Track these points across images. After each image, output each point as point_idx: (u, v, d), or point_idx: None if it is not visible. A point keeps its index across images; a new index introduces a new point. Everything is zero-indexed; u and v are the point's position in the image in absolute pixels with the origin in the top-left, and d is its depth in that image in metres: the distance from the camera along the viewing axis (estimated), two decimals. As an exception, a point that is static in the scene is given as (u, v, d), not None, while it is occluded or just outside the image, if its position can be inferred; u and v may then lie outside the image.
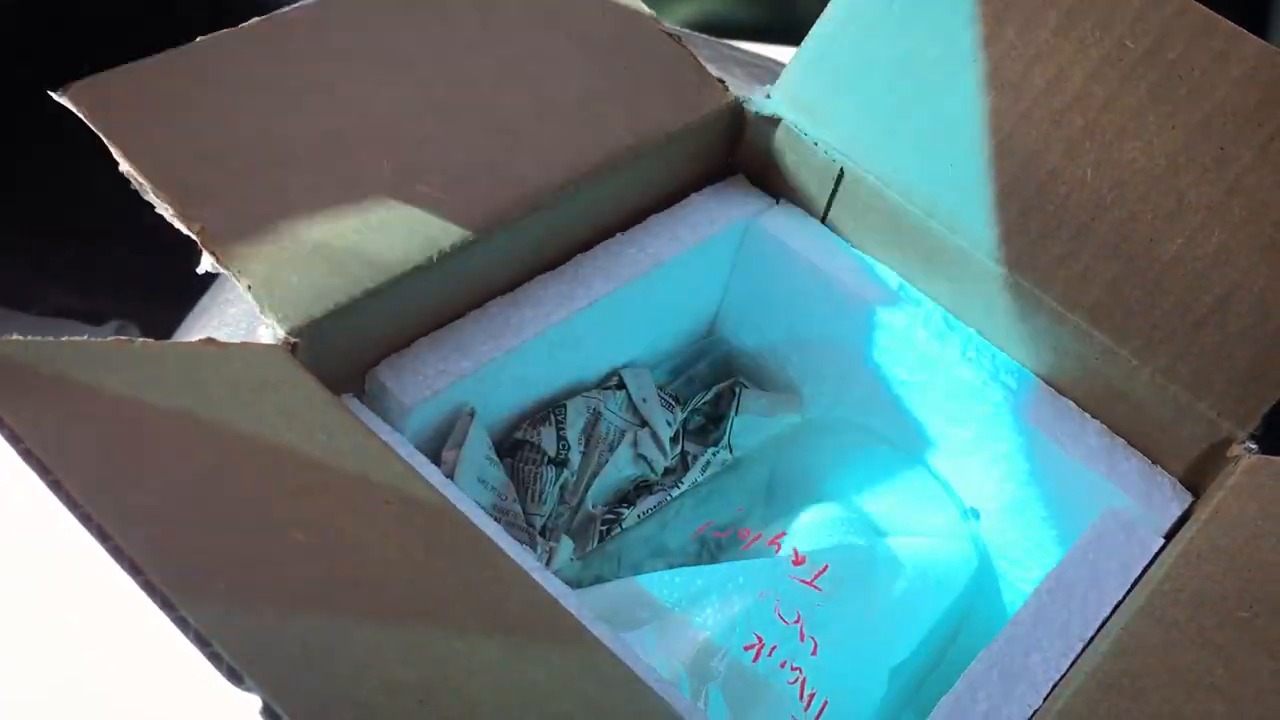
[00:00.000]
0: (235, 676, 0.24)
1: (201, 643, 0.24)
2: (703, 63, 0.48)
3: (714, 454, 0.50)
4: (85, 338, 0.30)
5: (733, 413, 0.52)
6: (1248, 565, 0.34)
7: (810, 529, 0.45)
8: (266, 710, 0.23)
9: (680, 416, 0.51)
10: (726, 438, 0.51)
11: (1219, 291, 0.40)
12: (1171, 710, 0.29)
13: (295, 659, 0.25)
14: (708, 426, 0.52)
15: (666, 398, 0.50)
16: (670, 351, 0.53)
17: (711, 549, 0.50)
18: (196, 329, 0.57)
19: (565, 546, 0.44)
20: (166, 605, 0.24)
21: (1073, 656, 0.36)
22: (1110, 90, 0.42)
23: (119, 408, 0.29)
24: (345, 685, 0.25)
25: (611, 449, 0.47)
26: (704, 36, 0.84)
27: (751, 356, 0.54)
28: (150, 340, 0.32)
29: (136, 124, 0.37)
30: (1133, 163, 0.42)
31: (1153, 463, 0.42)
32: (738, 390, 0.52)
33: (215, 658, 0.24)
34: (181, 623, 0.24)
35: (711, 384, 0.53)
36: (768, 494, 0.50)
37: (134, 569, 0.24)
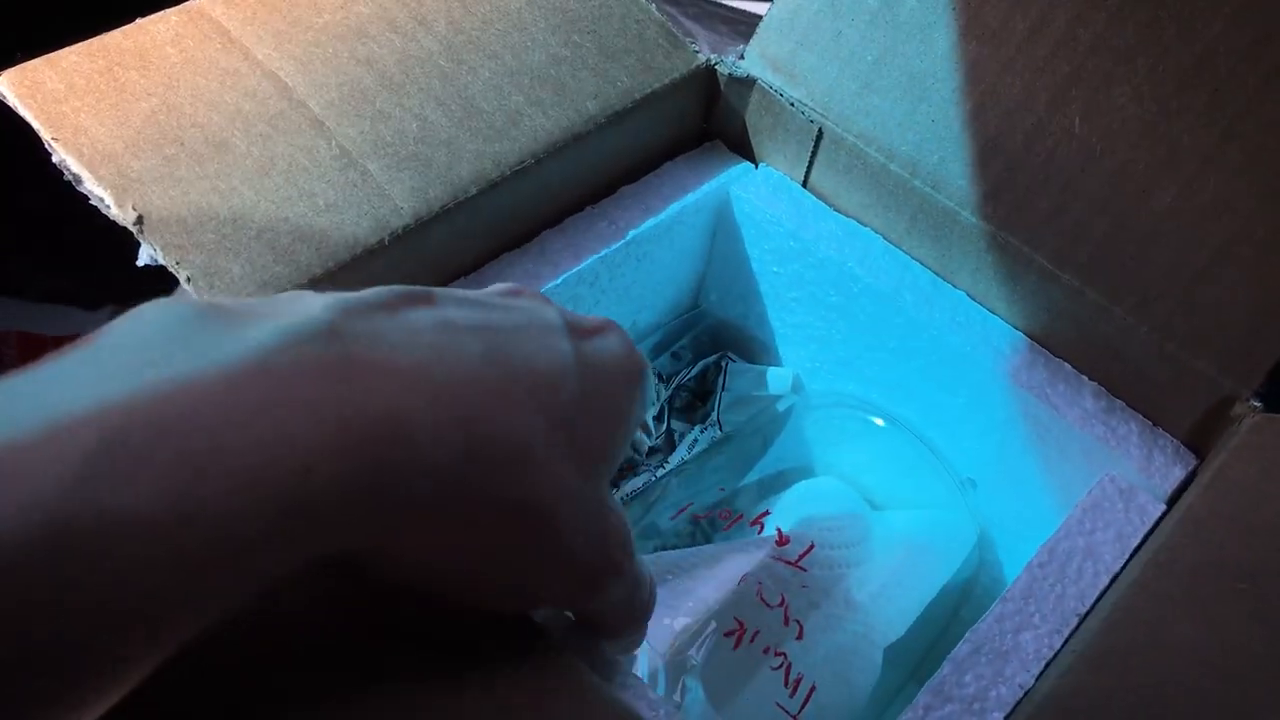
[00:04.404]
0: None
1: None
2: (686, 20, 0.45)
3: (701, 431, 0.49)
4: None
5: (720, 388, 0.50)
6: (1248, 532, 0.32)
7: (798, 505, 0.44)
8: None
9: (665, 394, 0.49)
10: (715, 414, 0.50)
11: (1216, 243, 0.38)
12: (1160, 686, 0.28)
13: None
14: (695, 403, 0.51)
15: (650, 375, 0.49)
16: (652, 325, 0.51)
17: (705, 528, 0.48)
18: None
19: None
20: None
21: (1067, 632, 0.34)
22: (1096, 33, 0.40)
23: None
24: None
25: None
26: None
27: (738, 328, 0.53)
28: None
29: (71, 111, 0.36)
30: (1122, 110, 0.39)
31: (1154, 424, 0.40)
32: (724, 364, 0.51)
33: None
34: None
35: (698, 358, 0.52)
36: (758, 470, 0.48)
37: None
